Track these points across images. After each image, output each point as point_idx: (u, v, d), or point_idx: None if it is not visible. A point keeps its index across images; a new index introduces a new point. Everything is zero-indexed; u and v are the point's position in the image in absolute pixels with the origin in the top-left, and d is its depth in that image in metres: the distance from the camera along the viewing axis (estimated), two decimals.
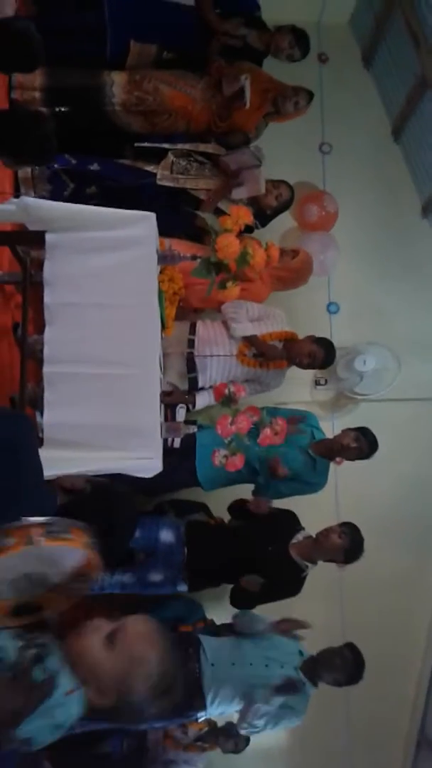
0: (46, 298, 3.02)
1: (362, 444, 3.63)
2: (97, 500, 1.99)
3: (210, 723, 3.78)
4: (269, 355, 3.83)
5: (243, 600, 3.63)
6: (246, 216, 3.20)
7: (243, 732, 3.49)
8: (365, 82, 5.18)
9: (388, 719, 4.68)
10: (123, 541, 2.06)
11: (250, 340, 3.84)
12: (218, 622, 3.82)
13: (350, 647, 3.54)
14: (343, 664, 3.48)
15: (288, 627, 3.55)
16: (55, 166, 3.82)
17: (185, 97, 3.97)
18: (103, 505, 2.00)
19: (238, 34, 4.04)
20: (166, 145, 3.99)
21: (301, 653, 3.50)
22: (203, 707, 3.37)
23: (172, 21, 3.96)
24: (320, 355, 3.81)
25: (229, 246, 3.09)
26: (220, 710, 3.46)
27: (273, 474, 3.62)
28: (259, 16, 4.15)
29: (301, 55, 4.04)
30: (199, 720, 3.55)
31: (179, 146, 4.00)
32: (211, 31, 4.02)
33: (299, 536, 3.60)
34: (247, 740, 3.87)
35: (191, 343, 3.83)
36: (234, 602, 3.66)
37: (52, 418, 2.97)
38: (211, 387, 3.74)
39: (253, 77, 3.93)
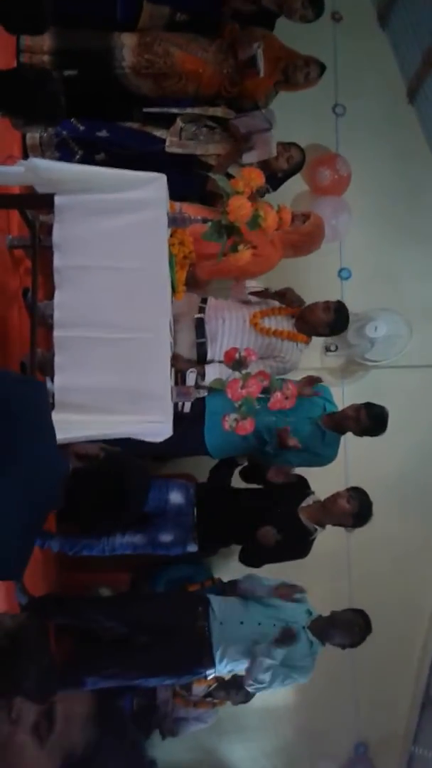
0: (56, 262, 3.01)
1: (361, 416, 3.57)
2: (110, 468, 1.99)
3: (218, 680, 3.85)
4: (289, 298, 3.81)
5: (251, 559, 3.67)
6: (258, 177, 3.16)
7: (251, 689, 3.54)
8: (380, 42, 5.05)
9: (393, 679, 4.75)
10: (134, 508, 2.07)
11: (264, 294, 3.83)
12: (225, 580, 3.88)
13: (361, 612, 3.58)
14: (354, 628, 3.52)
15: (286, 592, 3.56)
16: (63, 132, 3.78)
17: (197, 60, 3.91)
18: (116, 472, 2.00)
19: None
20: (174, 110, 3.93)
21: (309, 612, 3.55)
22: (212, 664, 3.43)
23: None
24: (332, 307, 3.78)
25: (240, 208, 3.05)
26: (229, 668, 3.53)
27: (282, 444, 3.61)
28: None
29: (314, 15, 3.96)
30: (208, 677, 3.62)
31: (188, 110, 3.94)
32: None
33: (309, 500, 3.63)
34: None
35: (202, 310, 3.82)
36: (243, 560, 3.70)
37: (62, 381, 2.98)
38: (221, 361, 3.72)
39: (266, 44, 3.87)
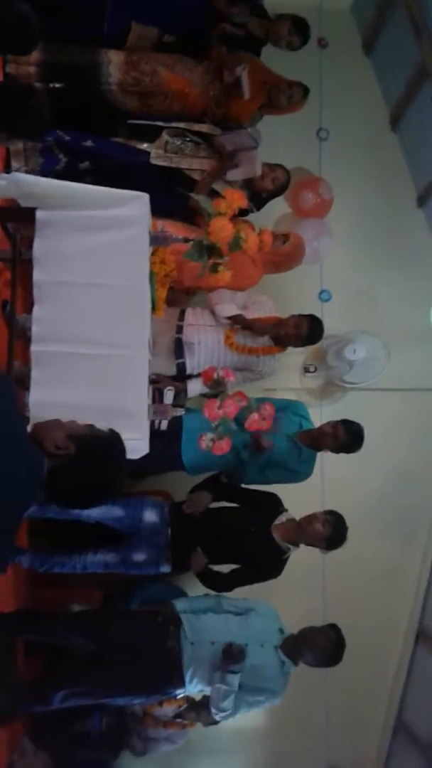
0: (36, 276, 3.01)
1: (339, 432, 3.61)
2: (84, 458, 1.94)
3: (188, 700, 3.81)
4: (257, 329, 3.85)
5: (217, 583, 3.64)
6: (240, 200, 3.20)
7: (218, 718, 3.49)
8: (365, 68, 5.15)
9: (366, 704, 4.73)
10: (118, 487, 2.03)
11: (235, 319, 3.87)
12: None
13: (334, 627, 3.53)
14: (325, 644, 3.46)
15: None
16: (49, 139, 3.78)
17: (183, 80, 3.94)
18: (91, 461, 1.96)
19: (240, 22, 4.02)
20: (160, 123, 3.96)
21: (281, 631, 3.50)
22: (182, 684, 3.39)
23: (176, 5, 3.91)
24: (304, 324, 3.84)
25: (222, 229, 3.09)
26: (199, 687, 3.48)
27: (257, 448, 3.61)
28: (260, 3, 4.12)
29: (301, 43, 4.02)
30: (178, 697, 3.58)
31: (173, 124, 3.97)
32: (215, 17, 3.99)
33: (282, 518, 3.62)
34: None
35: (180, 329, 3.85)
36: (211, 587, 3.65)
37: (38, 396, 2.97)
38: (199, 375, 3.74)
39: (251, 68, 3.92)
